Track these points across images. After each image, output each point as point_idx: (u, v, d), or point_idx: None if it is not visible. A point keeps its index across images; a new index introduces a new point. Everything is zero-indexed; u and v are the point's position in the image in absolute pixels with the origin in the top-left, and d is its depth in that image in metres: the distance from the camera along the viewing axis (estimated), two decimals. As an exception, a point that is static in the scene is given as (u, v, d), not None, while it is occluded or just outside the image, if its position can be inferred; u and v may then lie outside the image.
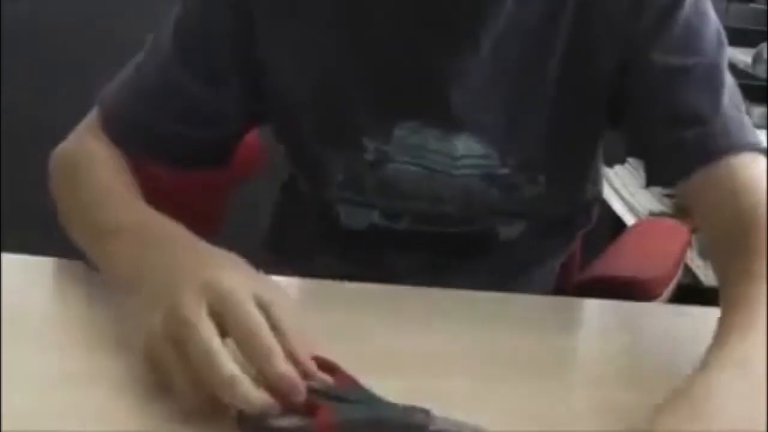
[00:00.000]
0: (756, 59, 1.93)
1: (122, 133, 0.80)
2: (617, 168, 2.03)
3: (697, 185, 0.74)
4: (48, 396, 0.58)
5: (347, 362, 0.60)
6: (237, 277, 0.59)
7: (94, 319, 0.68)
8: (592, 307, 0.80)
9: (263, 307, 0.57)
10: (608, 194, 2.00)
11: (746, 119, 0.78)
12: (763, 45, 1.91)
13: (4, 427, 0.53)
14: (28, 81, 2.03)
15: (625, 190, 1.95)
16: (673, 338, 0.73)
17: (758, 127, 1.80)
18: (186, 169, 0.84)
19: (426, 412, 0.56)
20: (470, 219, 0.86)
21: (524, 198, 0.83)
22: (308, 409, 0.56)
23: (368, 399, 0.57)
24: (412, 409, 0.56)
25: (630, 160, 2.03)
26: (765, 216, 0.68)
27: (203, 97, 0.80)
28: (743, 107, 0.79)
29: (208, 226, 1.03)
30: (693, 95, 0.76)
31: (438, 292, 0.77)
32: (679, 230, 1.17)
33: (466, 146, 0.80)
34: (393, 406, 0.57)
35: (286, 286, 0.77)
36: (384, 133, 0.80)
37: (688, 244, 1.15)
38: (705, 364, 0.57)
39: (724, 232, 0.71)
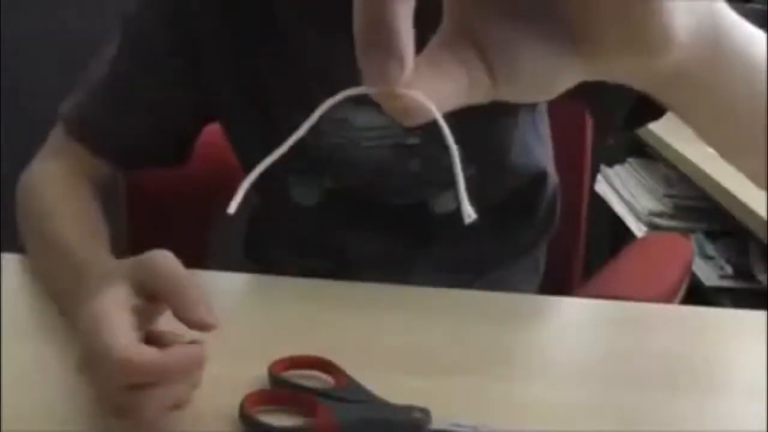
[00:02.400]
0: (756, 59, 1.93)
1: (77, 129, 0.82)
2: (617, 168, 2.04)
3: None
4: (48, 396, 0.58)
5: (347, 362, 0.60)
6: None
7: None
8: (592, 307, 0.80)
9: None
10: (608, 194, 1.99)
11: None
12: (763, 45, 1.91)
13: (4, 428, 0.53)
14: (28, 81, 2.04)
15: (625, 190, 1.95)
16: (672, 338, 0.73)
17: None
18: (140, 164, 0.85)
19: (426, 412, 0.56)
20: (403, 191, 0.85)
21: (445, 168, 0.82)
22: (308, 409, 0.56)
23: (368, 399, 0.57)
24: (411, 409, 0.56)
25: (630, 160, 2.03)
26: None
27: (148, 85, 0.81)
28: None
29: (195, 236, 1.04)
30: None
31: (438, 292, 0.77)
32: (682, 247, 1.15)
33: (367, 118, 0.80)
34: (393, 406, 0.57)
35: (287, 286, 0.77)
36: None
37: (691, 262, 1.13)
38: None
39: None
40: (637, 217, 1.85)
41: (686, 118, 0.45)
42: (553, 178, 0.95)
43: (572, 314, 0.79)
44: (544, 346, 0.71)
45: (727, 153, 0.48)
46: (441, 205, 0.86)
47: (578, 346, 0.72)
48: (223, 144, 0.88)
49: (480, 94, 0.34)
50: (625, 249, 1.10)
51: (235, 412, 0.55)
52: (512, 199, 0.90)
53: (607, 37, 0.33)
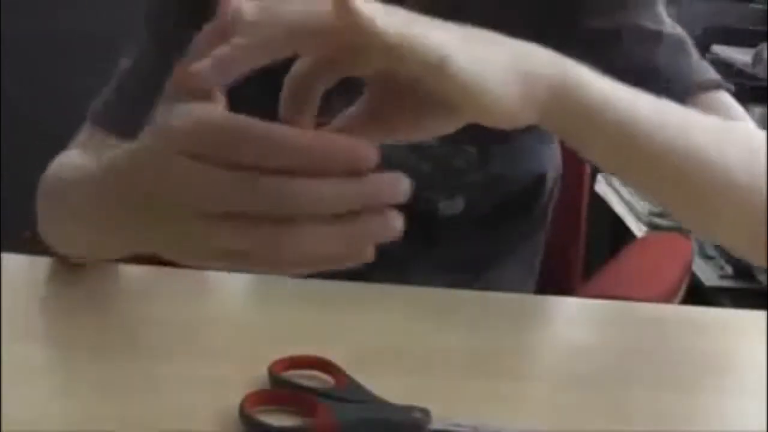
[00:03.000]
0: (756, 59, 1.93)
1: (103, 119, 0.83)
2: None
3: None
4: (49, 396, 0.58)
5: (347, 362, 0.60)
6: None
7: (96, 320, 0.68)
8: (592, 307, 0.80)
9: None
10: (608, 194, 1.99)
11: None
12: (763, 45, 1.92)
13: (4, 428, 0.53)
14: (29, 81, 2.04)
15: (625, 190, 1.95)
16: (672, 338, 0.73)
17: (758, 127, 1.80)
18: None
19: (426, 412, 0.56)
20: (411, 191, 0.85)
21: (456, 170, 0.82)
22: (308, 409, 0.56)
23: (368, 399, 0.57)
24: (411, 409, 0.56)
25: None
26: None
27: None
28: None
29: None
30: (628, 54, 0.75)
31: (438, 292, 0.77)
32: (682, 247, 1.15)
33: None
34: (393, 406, 0.57)
35: (287, 286, 0.77)
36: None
37: (691, 262, 1.13)
38: None
39: None
40: (637, 217, 1.85)
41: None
42: (553, 174, 0.95)
43: (572, 314, 0.79)
44: (544, 346, 0.71)
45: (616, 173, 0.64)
46: (448, 206, 0.86)
47: (578, 346, 0.72)
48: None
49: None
50: (625, 249, 1.10)
51: (235, 412, 0.55)
52: (513, 201, 0.90)
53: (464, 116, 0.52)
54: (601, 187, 2.01)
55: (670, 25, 0.79)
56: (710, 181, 0.61)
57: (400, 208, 0.48)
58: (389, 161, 0.84)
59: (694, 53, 0.78)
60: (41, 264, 0.77)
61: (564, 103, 0.54)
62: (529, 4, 0.79)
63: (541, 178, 0.92)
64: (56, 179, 0.74)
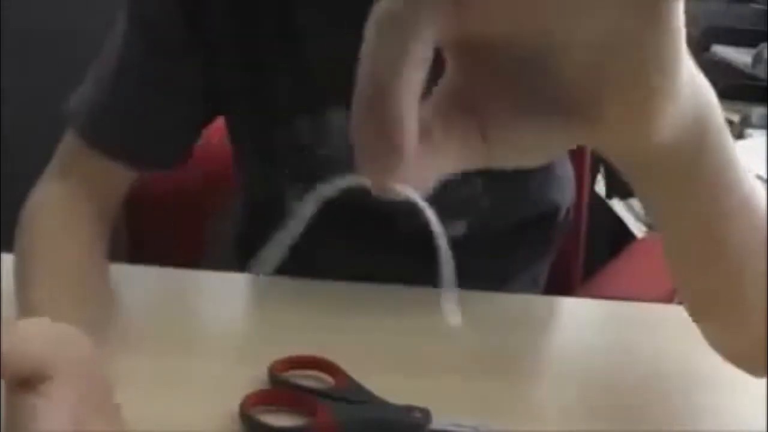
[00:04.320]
0: (756, 59, 1.93)
1: (89, 131, 0.78)
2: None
3: None
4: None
5: (347, 362, 0.60)
6: None
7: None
8: (592, 307, 0.80)
9: None
10: (608, 194, 1.99)
11: None
12: (763, 45, 1.91)
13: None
14: (28, 81, 2.04)
15: (625, 190, 1.95)
16: (672, 338, 0.73)
17: (758, 127, 1.80)
18: (144, 167, 0.80)
19: (426, 412, 0.56)
20: (412, 213, 0.82)
21: (459, 197, 0.81)
22: (308, 409, 0.56)
23: (368, 399, 0.57)
24: (411, 409, 0.56)
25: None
26: None
27: (158, 68, 0.77)
28: None
29: (194, 236, 1.03)
30: None
31: (439, 292, 0.77)
32: None
33: None
34: (393, 406, 0.57)
35: (287, 286, 0.77)
36: (316, 117, 0.77)
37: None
38: None
39: None
40: (637, 217, 1.84)
41: (648, 209, 0.47)
42: (565, 205, 0.93)
43: (572, 314, 0.79)
44: (544, 346, 0.71)
45: (674, 259, 0.50)
46: (450, 230, 0.84)
47: (578, 346, 0.72)
48: (221, 145, 0.88)
49: (474, 162, 0.35)
50: (625, 249, 1.10)
51: (235, 412, 0.55)
52: (521, 229, 0.88)
53: (610, 114, 0.34)
54: (601, 187, 2.01)
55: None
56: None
57: (400, 227, 0.46)
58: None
59: None
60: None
61: (699, 142, 0.42)
62: None
63: (550, 210, 0.90)
64: (19, 248, 0.71)
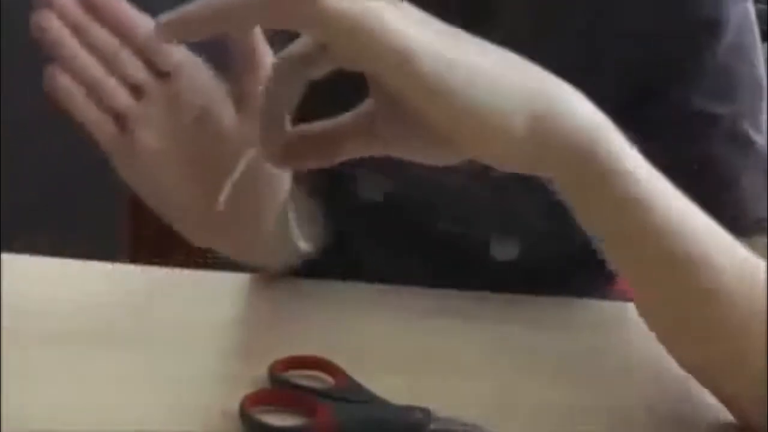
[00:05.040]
0: (756, 59, 1.93)
1: None
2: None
3: None
4: (49, 397, 0.58)
5: (347, 362, 0.60)
6: None
7: (97, 317, 0.68)
8: (593, 307, 0.80)
9: None
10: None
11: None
12: (764, 45, 1.92)
13: (4, 428, 0.53)
14: (28, 81, 2.04)
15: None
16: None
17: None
18: None
19: (426, 412, 0.56)
20: (463, 221, 0.78)
21: (516, 209, 0.76)
22: (308, 409, 0.56)
23: (368, 399, 0.57)
24: (411, 409, 0.56)
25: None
26: None
27: None
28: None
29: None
30: (717, 149, 0.69)
31: (438, 292, 0.77)
32: None
33: None
34: (393, 406, 0.57)
35: (287, 286, 0.77)
36: None
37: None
38: None
39: None
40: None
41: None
42: None
43: (572, 314, 0.79)
44: (544, 346, 0.71)
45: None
46: (501, 250, 0.79)
47: (578, 346, 0.72)
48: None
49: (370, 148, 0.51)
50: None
51: (235, 412, 0.55)
52: (574, 262, 0.80)
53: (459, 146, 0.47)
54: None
55: (763, 140, 0.71)
56: (714, 308, 0.53)
57: (448, 246, 0.55)
58: (442, 183, 0.78)
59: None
60: (41, 264, 0.77)
61: (583, 167, 0.48)
62: (626, 65, 0.71)
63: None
64: None
